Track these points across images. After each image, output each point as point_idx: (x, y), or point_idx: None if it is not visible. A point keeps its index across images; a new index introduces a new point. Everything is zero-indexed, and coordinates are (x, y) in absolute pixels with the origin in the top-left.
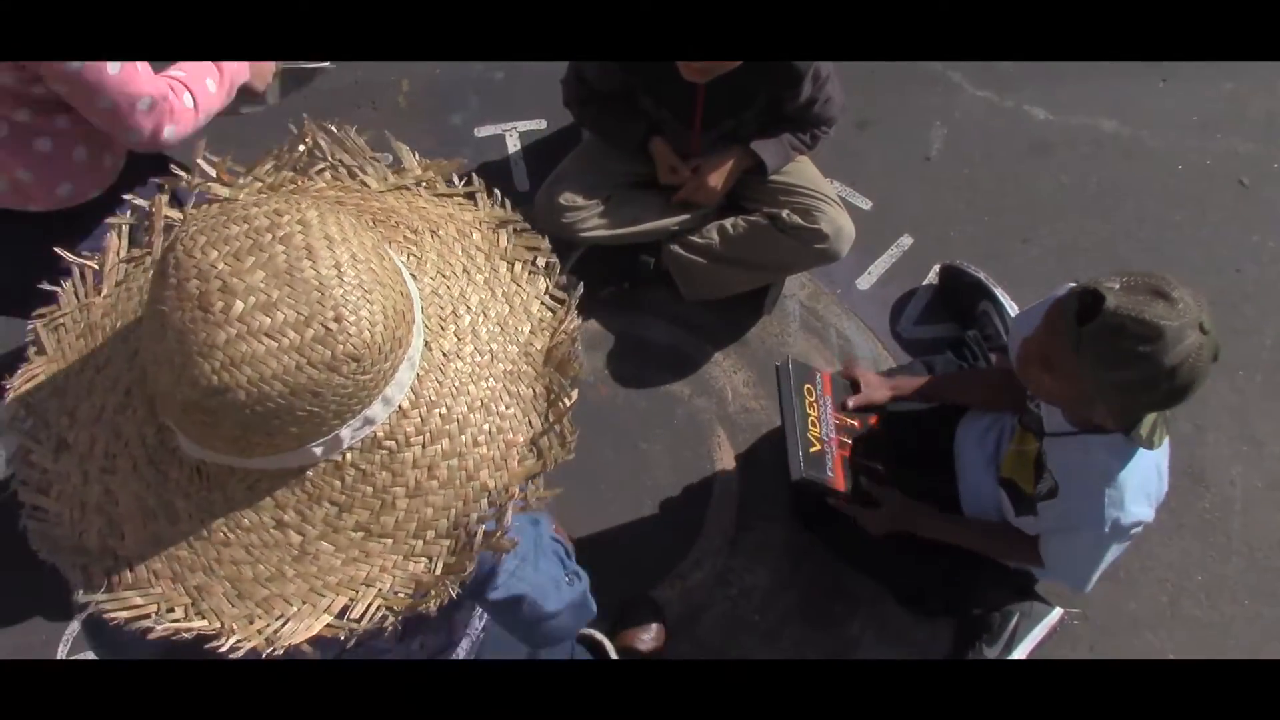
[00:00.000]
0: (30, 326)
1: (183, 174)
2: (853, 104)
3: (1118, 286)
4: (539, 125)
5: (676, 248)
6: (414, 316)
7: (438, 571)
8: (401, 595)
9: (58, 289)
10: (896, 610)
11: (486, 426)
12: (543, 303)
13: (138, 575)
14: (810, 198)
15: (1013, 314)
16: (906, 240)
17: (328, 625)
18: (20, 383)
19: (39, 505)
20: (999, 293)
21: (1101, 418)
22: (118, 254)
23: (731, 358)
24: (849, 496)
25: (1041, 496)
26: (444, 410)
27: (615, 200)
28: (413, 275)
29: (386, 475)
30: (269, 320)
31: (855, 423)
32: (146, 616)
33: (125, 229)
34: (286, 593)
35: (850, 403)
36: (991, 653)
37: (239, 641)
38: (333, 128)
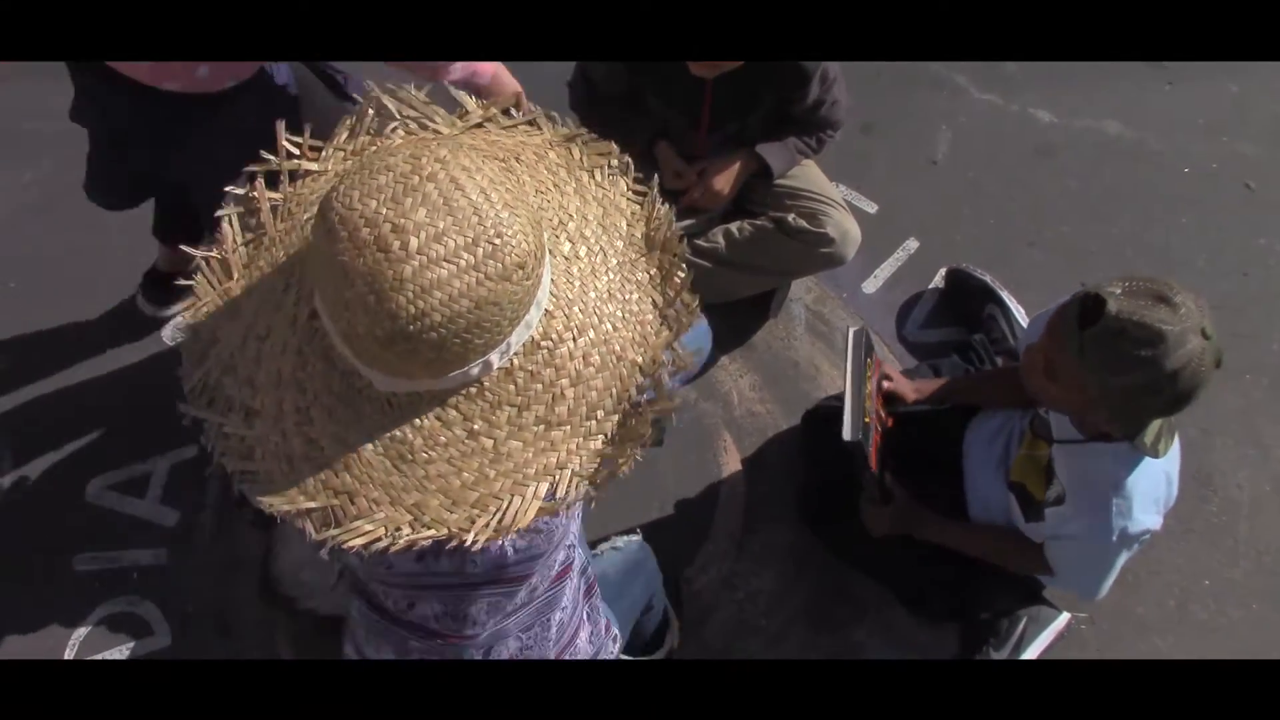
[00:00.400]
0: (176, 321)
1: (270, 157)
2: (858, 108)
3: (1119, 291)
4: None
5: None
6: (542, 228)
7: (617, 443)
8: (592, 472)
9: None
10: (902, 614)
11: (619, 313)
12: (628, 198)
13: (360, 507)
14: (816, 201)
15: (1019, 317)
16: (912, 244)
17: (541, 508)
18: (191, 370)
19: (247, 470)
20: (1005, 296)
21: (1106, 424)
22: (235, 241)
23: (737, 362)
24: (874, 481)
25: (1050, 503)
26: (581, 305)
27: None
28: None
29: (550, 371)
30: (443, 248)
31: (887, 417)
32: (378, 540)
33: (234, 217)
34: (494, 491)
35: (885, 385)
36: (998, 657)
37: (475, 536)
38: (393, 88)
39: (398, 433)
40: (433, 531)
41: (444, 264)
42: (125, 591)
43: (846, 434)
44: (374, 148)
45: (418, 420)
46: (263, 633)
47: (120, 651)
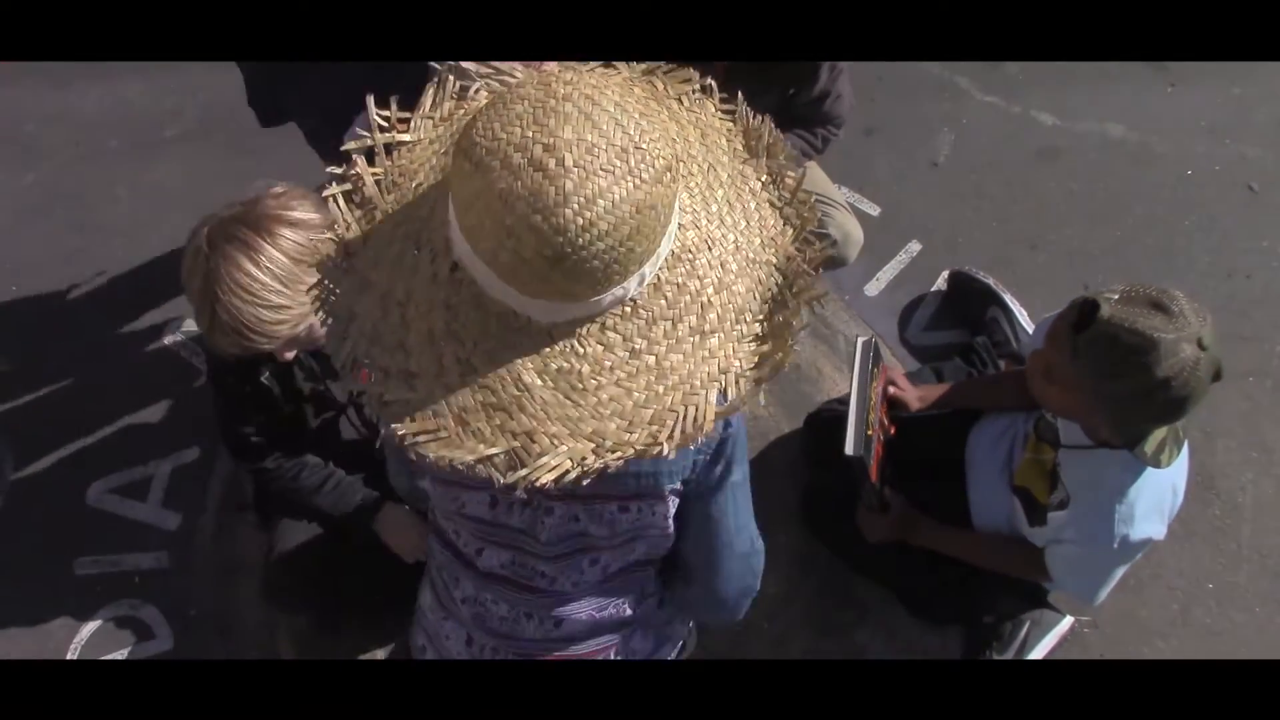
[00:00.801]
0: (318, 316)
1: (365, 134)
2: (860, 110)
3: (1117, 297)
4: None
5: None
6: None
7: (771, 341)
8: (754, 370)
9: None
10: (905, 618)
11: (742, 221)
12: (719, 117)
13: (541, 444)
14: (818, 202)
15: (1022, 320)
16: (915, 246)
17: (718, 411)
18: (338, 349)
19: (418, 433)
20: (1008, 299)
21: (1105, 431)
22: (345, 220)
23: None
24: (873, 492)
25: (1054, 507)
26: (707, 216)
27: None
28: None
29: (695, 282)
30: (596, 160)
31: (890, 425)
32: (567, 472)
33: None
34: (668, 405)
35: (890, 391)
36: (1001, 661)
37: (664, 446)
38: (463, 65)
39: (564, 364)
40: (619, 454)
41: (601, 174)
42: (127, 595)
43: (848, 449)
44: (461, 111)
45: (580, 348)
46: (263, 634)
47: (122, 655)
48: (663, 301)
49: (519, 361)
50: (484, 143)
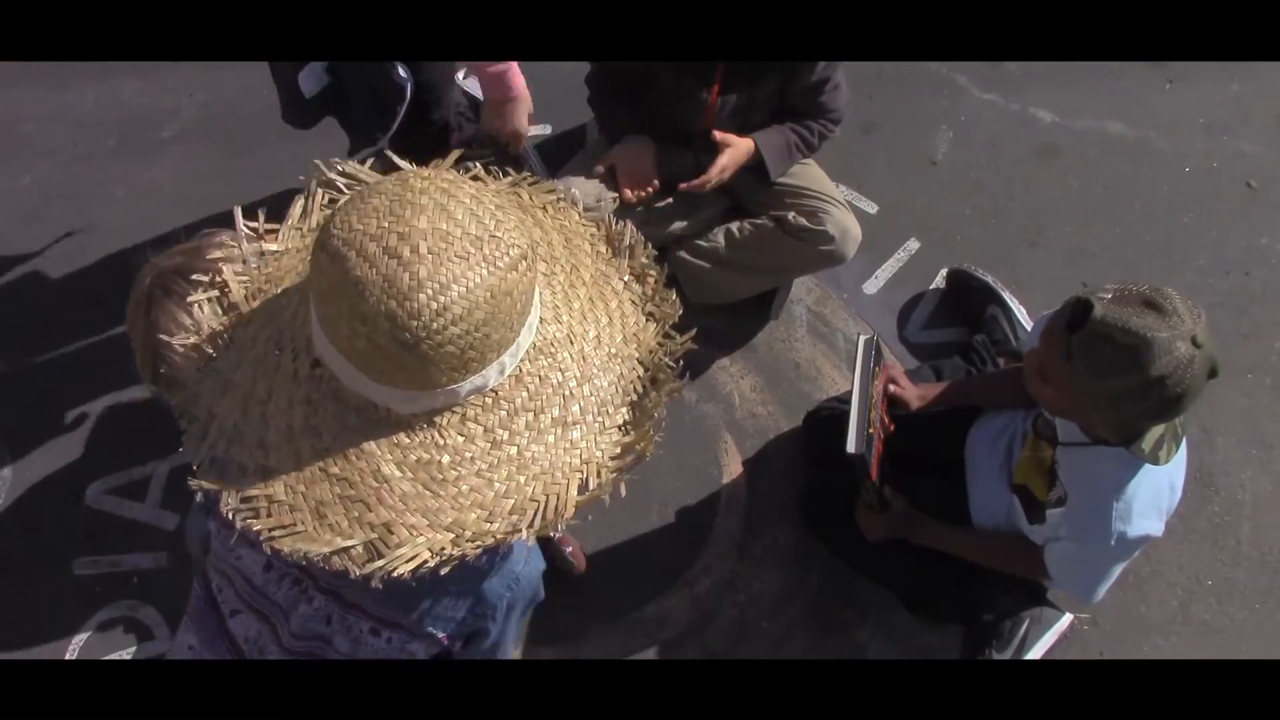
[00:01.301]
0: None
1: (230, 243)
2: (858, 108)
3: (1109, 297)
4: (543, 130)
5: (682, 252)
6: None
7: (633, 431)
8: (616, 461)
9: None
10: (905, 616)
11: (604, 317)
12: (582, 224)
13: (399, 535)
14: (816, 200)
15: (1021, 317)
16: (913, 244)
17: (578, 501)
18: (196, 449)
19: (274, 528)
20: (1007, 297)
21: (1101, 429)
22: (210, 325)
23: (738, 363)
24: (873, 490)
25: (1052, 504)
26: (569, 313)
27: (620, 204)
28: None
29: (557, 374)
30: (451, 247)
31: (890, 423)
32: (425, 563)
33: (207, 299)
34: (528, 496)
35: (890, 388)
36: (1001, 658)
37: (526, 534)
38: (337, 163)
39: (425, 454)
40: (478, 544)
41: (456, 260)
42: (126, 595)
43: (850, 447)
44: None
45: (441, 439)
46: None
47: (121, 655)
48: (525, 393)
49: (378, 453)
50: (341, 234)
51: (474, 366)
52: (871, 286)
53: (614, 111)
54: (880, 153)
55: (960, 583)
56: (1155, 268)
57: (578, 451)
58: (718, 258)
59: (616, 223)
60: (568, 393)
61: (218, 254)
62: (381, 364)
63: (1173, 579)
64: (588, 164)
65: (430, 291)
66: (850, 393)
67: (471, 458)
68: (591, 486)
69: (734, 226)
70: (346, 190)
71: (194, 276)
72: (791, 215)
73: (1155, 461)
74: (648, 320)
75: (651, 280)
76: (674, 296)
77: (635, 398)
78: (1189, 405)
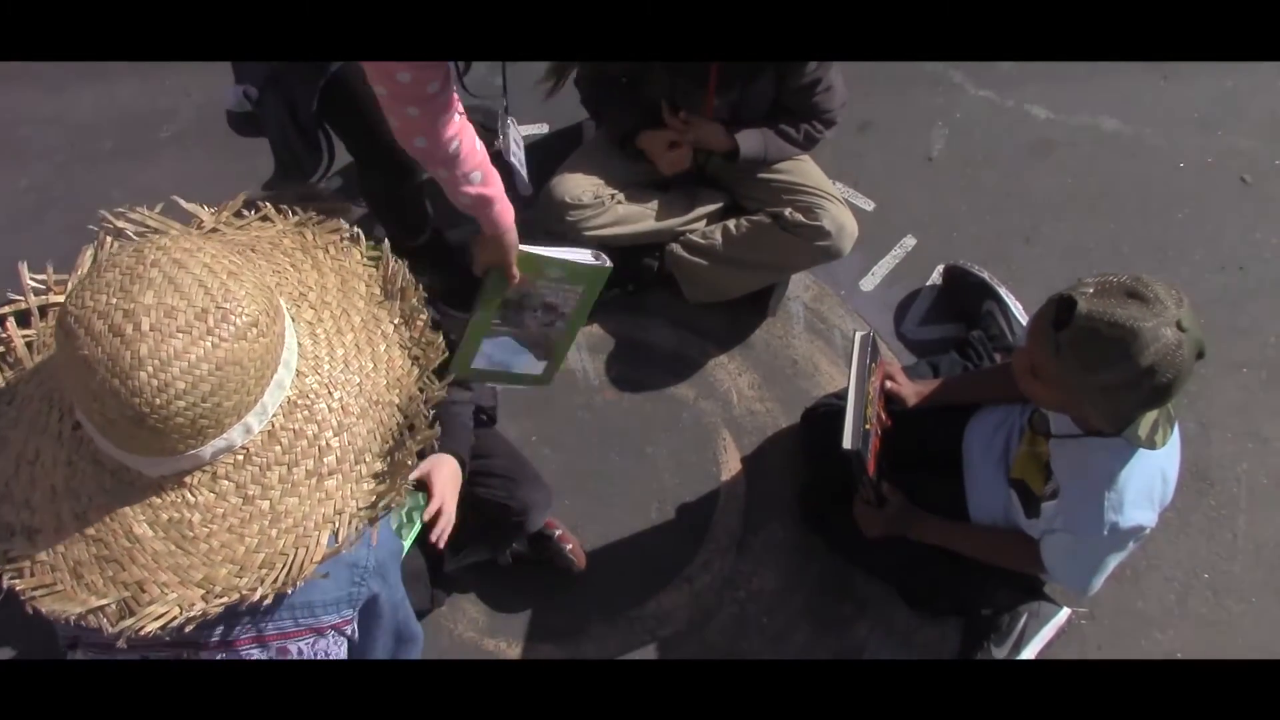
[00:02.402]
0: None
1: (17, 297)
2: (854, 105)
3: (1091, 290)
4: (540, 129)
5: (679, 249)
6: (275, 292)
7: (386, 482)
8: (368, 510)
9: None
10: (904, 612)
11: (370, 363)
12: (364, 263)
13: (151, 593)
14: (812, 195)
15: (1017, 313)
16: (910, 241)
17: (325, 553)
18: None
19: (41, 586)
20: (1003, 292)
21: (1094, 421)
22: None
23: (736, 360)
24: (870, 486)
25: (1047, 497)
26: (330, 362)
27: (618, 201)
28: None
29: (313, 427)
30: (174, 323)
31: (887, 419)
32: (174, 619)
33: None
34: (279, 549)
35: (888, 385)
36: (1000, 653)
37: (265, 593)
38: (126, 212)
39: (175, 514)
40: (227, 599)
41: (178, 335)
42: None
43: (847, 443)
44: None
45: (192, 498)
46: None
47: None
48: (278, 448)
49: (131, 514)
50: (74, 310)
51: (211, 433)
52: (868, 283)
53: (611, 114)
54: (876, 150)
55: (958, 578)
56: (1150, 263)
57: (331, 502)
58: (715, 255)
59: (393, 263)
60: (324, 444)
61: (4, 309)
62: (118, 435)
63: (1169, 573)
64: (584, 162)
65: (151, 369)
66: (847, 389)
67: (224, 514)
68: (342, 536)
69: (731, 223)
70: (134, 237)
71: None
72: (788, 211)
73: (1151, 446)
74: (412, 365)
75: (420, 324)
76: (439, 341)
77: (392, 444)
78: (1180, 389)
